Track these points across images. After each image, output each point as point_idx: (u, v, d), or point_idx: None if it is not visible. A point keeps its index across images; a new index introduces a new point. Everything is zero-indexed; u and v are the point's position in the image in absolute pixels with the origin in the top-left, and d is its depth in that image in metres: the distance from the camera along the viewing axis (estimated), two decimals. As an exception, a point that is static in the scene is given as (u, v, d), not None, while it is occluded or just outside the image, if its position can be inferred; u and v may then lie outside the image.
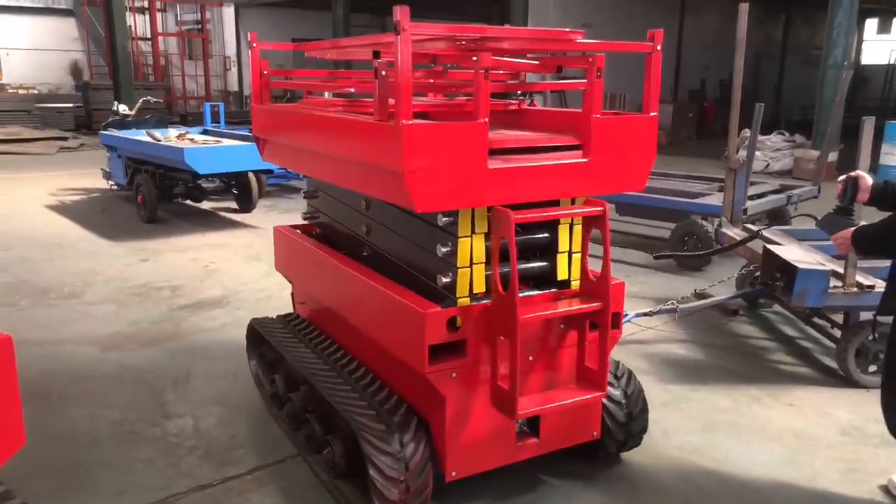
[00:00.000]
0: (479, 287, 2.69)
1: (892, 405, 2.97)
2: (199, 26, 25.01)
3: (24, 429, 1.77)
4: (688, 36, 21.17)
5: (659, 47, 2.69)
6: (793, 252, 4.37)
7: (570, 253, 2.84)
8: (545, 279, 2.86)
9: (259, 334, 3.82)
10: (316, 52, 3.36)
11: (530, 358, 2.83)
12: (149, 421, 3.65)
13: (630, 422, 3.13)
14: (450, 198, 2.46)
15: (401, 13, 2.25)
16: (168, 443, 3.44)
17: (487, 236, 2.65)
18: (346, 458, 2.91)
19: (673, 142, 18.01)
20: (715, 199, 6.71)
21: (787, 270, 4.07)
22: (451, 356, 2.65)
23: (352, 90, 3.55)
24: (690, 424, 3.71)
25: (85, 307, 5.41)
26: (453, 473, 2.79)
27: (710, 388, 4.11)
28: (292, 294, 4.11)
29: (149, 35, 24.09)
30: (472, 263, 2.66)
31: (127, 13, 20.08)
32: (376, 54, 2.59)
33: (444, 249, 2.65)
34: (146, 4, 23.84)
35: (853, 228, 2.83)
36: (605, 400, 3.05)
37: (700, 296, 5.29)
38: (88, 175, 11.09)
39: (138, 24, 24.14)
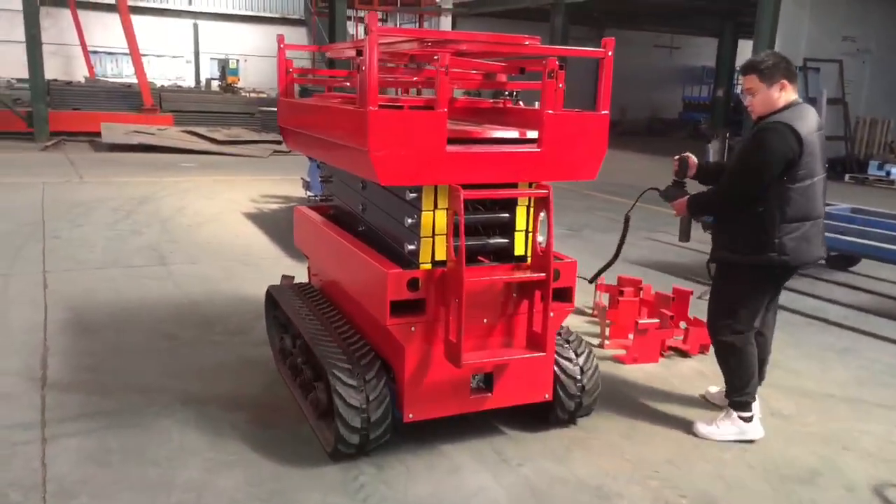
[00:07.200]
0: (441, 255, 3.37)
1: None
2: (417, 35, 27.14)
3: None
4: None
5: (610, 53, 3.29)
6: None
7: (526, 231, 3.47)
8: (505, 254, 3.50)
9: (273, 299, 4.69)
10: (332, 53, 4.29)
11: (485, 321, 3.45)
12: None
13: (582, 393, 3.72)
14: (411, 175, 3.18)
15: (370, 18, 3.09)
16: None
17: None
18: (328, 400, 3.59)
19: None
20: None
21: None
22: (412, 313, 3.35)
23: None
24: None
25: (249, 350, 4.94)
26: (410, 415, 3.48)
27: None
28: (308, 266, 4.93)
29: (370, 43, 26.58)
30: (434, 234, 3.35)
31: (350, 23, 22.55)
32: (359, 53, 3.36)
33: (410, 221, 3.36)
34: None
35: (687, 197, 3.90)
36: (560, 370, 3.66)
37: None
38: (292, 181, 11.41)
39: (360, 33, 26.85)
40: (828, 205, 3.85)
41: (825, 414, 4.24)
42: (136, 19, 19.69)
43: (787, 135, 3.49)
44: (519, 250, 3.49)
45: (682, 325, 5.18)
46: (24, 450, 3.56)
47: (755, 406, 3.93)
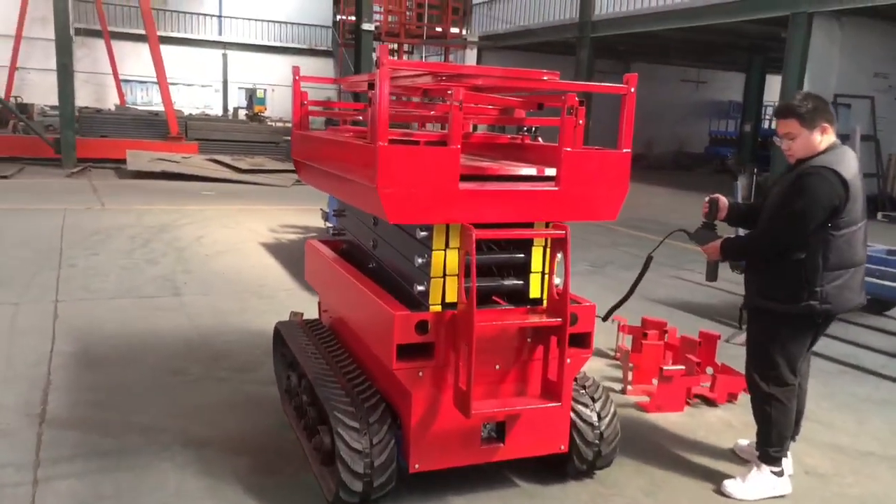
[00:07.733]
0: (453, 297, 3.19)
1: None
2: (443, 67, 27.29)
3: None
4: None
5: (633, 89, 3.11)
6: None
7: (542, 273, 3.27)
8: (519, 296, 3.31)
9: (280, 335, 4.55)
10: (347, 86, 4.15)
11: (497, 367, 3.26)
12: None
13: (600, 440, 3.50)
14: (421, 213, 3.02)
15: (381, 51, 2.93)
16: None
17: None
18: (331, 444, 3.38)
19: None
20: None
21: None
22: (420, 357, 3.17)
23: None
24: None
25: (256, 388, 4.74)
26: (416, 465, 3.29)
27: None
28: (319, 302, 4.77)
29: (396, 75, 26.79)
30: (444, 275, 3.18)
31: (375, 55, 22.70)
32: (371, 86, 3.22)
33: (420, 260, 3.20)
34: (395, 47, 26.64)
35: (720, 240, 3.73)
36: (576, 416, 3.46)
37: None
38: (312, 212, 11.11)
39: (387, 64, 27.04)
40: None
41: (864, 474, 3.95)
42: (167, 49, 20.02)
43: (833, 181, 3.32)
44: (534, 293, 3.31)
45: (709, 370, 4.93)
46: (13, 492, 3.40)
47: (786, 462, 3.69)
